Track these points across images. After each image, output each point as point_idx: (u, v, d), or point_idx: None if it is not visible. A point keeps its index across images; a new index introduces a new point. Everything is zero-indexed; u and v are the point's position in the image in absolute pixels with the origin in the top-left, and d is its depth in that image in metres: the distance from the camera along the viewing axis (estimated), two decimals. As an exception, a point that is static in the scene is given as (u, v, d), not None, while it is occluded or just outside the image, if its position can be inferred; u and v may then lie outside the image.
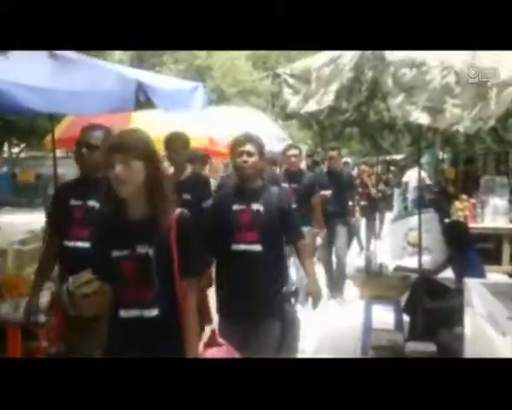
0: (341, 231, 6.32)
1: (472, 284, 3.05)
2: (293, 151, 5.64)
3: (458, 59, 2.91)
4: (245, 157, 2.97)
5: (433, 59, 2.92)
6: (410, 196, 11.03)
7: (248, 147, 2.99)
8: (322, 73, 3.29)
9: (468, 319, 3.05)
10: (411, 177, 11.23)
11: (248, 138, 3.05)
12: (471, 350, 2.92)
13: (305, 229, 4.12)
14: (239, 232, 2.90)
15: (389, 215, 10.33)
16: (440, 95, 2.88)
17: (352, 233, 7.10)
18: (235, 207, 2.96)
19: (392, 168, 17.22)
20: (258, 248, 2.87)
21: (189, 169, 3.89)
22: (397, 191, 12.53)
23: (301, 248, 3.12)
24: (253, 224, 2.91)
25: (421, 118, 2.95)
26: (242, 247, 2.90)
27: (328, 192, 5.94)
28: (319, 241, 5.83)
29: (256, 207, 2.95)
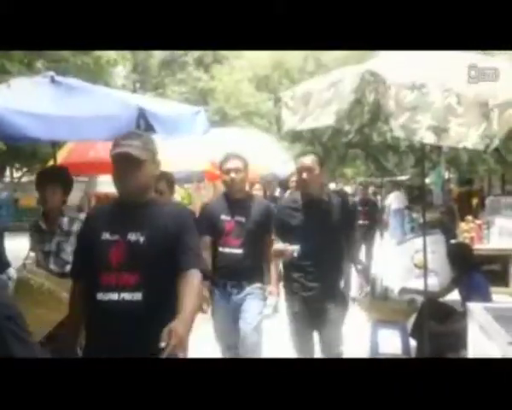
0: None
1: (474, 309, 3.00)
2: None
3: (457, 81, 2.91)
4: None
5: (433, 81, 2.92)
6: (391, 219, 11.45)
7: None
8: (322, 95, 3.29)
9: (470, 344, 2.99)
10: (392, 200, 11.83)
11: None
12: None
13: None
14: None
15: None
16: (444, 114, 2.87)
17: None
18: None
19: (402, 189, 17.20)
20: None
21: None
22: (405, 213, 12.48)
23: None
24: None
25: (427, 137, 2.92)
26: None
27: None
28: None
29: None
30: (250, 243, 3.54)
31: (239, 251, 3.53)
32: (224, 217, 3.58)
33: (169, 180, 3.75)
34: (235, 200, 3.63)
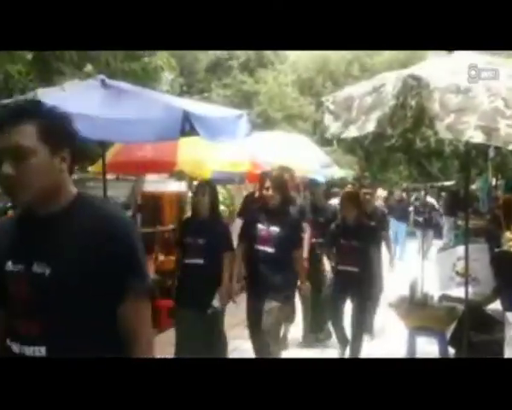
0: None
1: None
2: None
3: (503, 86, 2.87)
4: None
5: (478, 86, 2.89)
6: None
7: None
8: (364, 101, 3.30)
9: (507, 354, 2.94)
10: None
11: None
12: None
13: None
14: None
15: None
16: (492, 115, 2.82)
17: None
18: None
19: (442, 194, 16.84)
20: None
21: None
22: (448, 220, 12.23)
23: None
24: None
25: (476, 136, 2.85)
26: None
27: None
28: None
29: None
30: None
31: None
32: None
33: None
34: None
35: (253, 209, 4.68)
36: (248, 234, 4.14)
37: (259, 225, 4.06)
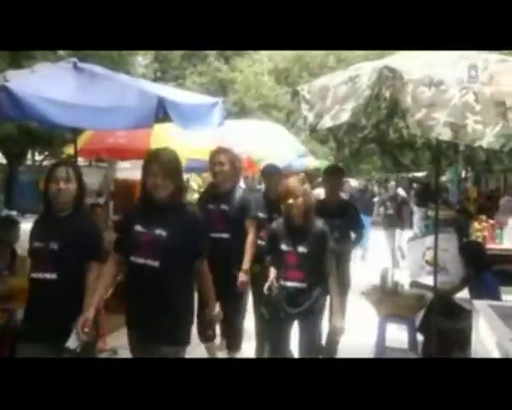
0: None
1: (479, 306, 3.03)
2: None
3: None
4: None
5: (451, 78, 2.93)
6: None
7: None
8: (339, 90, 3.32)
9: (474, 341, 3.02)
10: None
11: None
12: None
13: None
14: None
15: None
16: (461, 111, 2.87)
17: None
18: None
19: (414, 185, 17.10)
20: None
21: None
22: (419, 210, 12.45)
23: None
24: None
25: (443, 133, 2.91)
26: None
27: None
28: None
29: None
30: None
31: None
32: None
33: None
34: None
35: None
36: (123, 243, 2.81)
37: (137, 227, 2.70)
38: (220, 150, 4.05)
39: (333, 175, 4.71)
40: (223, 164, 3.96)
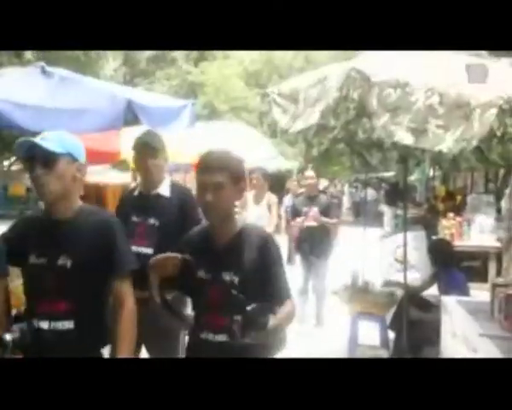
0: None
1: (448, 302, 3.09)
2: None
3: (441, 80, 2.99)
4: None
5: (417, 80, 3.00)
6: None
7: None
8: (309, 93, 3.35)
9: (443, 336, 3.09)
10: None
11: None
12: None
13: None
14: None
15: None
16: (424, 115, 2.93)
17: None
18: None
19: (383, 185, 17.38)
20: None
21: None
22: (390, 209, 12.66)
23: None
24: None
25: (405, 138, 2.98)
26: None
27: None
28: None
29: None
30: None
31: None
32: None
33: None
34: None
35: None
36: None
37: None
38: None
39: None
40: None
